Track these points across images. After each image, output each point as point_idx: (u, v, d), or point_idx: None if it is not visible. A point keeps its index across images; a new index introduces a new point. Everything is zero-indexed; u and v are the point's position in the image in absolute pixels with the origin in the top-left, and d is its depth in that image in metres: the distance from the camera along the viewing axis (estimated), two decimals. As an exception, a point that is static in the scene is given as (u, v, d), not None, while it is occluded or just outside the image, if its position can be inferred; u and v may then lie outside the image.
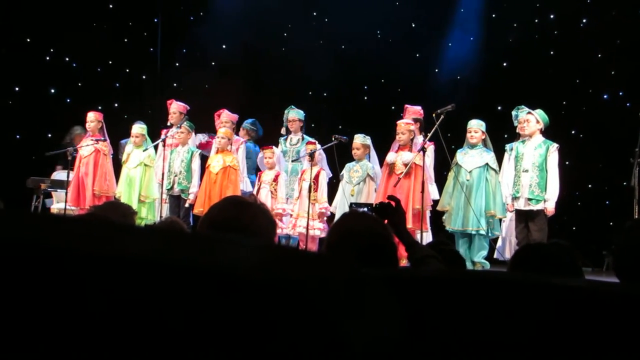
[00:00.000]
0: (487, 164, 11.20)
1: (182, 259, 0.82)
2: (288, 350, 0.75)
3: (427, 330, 1.53)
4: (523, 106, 11.27)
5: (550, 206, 10.77)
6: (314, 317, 0.75)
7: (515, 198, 10.96)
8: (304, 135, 13.26)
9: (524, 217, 10.95)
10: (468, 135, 11.43)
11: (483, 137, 11.36)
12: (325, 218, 12.06)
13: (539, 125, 10.97)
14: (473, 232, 11.12)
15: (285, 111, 13.40)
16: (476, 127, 11.38)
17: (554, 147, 10.89)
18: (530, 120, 10.98)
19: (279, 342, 0.75)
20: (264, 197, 12.07)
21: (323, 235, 11.90)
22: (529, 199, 10.81)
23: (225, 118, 12.88)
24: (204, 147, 13.64)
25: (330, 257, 0.88)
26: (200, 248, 0.86)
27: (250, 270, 0.79)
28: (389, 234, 3.37)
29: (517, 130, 11.29)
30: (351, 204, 10.99)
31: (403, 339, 0.86)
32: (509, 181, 11.10)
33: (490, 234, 11.28)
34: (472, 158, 11.28)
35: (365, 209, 6.47)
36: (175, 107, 13.10)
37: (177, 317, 0.78)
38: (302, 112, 13.35)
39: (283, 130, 13.45)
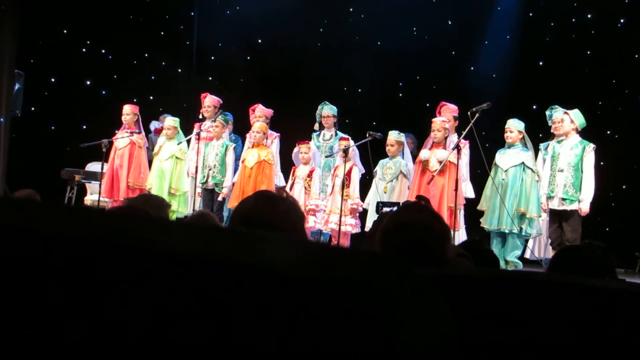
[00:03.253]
0: (523, 162, 11.15)
1: (225, 256, 0.82)
2: (337, 352, 0.74)
3: (465, 329, 1.52)
4: (557, 106, 11.23)
5: (584, 206, 10.71)
6: (364, 318, 0.75)
7: (549, 197, 10.91)
8: (337, 131, 13.26)
9: (557, 217, 10.91)
10: (505, 135, 11.39)
11: (520, 136, 11.28)
12: (357, 214, 12.08)
13: (573, 125, 10.92)
14: (507, 231, 11.08)
15: (319, 107, 13.42)
16: (512, 127, 11.31)
17: (591, 147, 10.82)
18: (564, 119, 10.93)
19: (327, 342, 0.74)
20: (298, 192, 12.10)
21: (354, 231, 11.94)
22: (563, 199, 10.77)
23: (259, 112, 12.93)
24: (158, 133, 13.71)
25: (381, 255, 0.87)
26: (238, 244, 0.86)
27: (299, 269, 0.79)
28: (446, 231, 3.35)
29: (551, 130, 11.24)
30: (378, 202, 10.98)
31: (454, 340, 0.85)
32: (544, 181, 11.06)
33: (524, 233, 11.22)
34: (509, 157, 11.23)
35: (394, 209, 6.47)
36: (210, 101, 13.15)
37: (220, 314, 0.78)
38: (335, 107, 13.36)
39: (316, 126, 13.47)
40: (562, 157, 10.87)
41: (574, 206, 10.72)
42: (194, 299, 0.79)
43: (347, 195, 11.70)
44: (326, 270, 0.78)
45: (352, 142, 12.03)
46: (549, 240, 11.20)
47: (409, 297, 0.82)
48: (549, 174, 11.00)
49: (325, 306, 0.75)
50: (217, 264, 0.80)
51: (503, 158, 11.30)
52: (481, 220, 11.42)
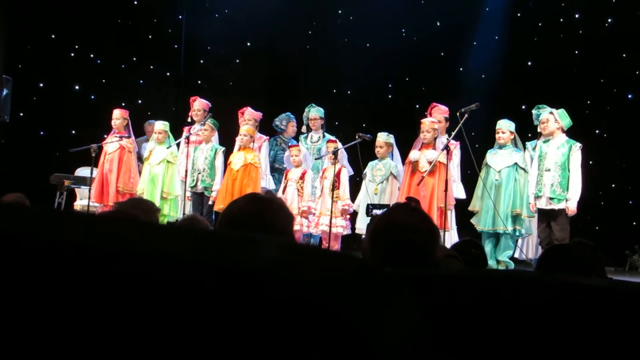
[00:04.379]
0: (516, 163, 11.19)
1: (205, 258, 0.82)
2: (308, 352, 0.74)
3: (449, 328, 1.52)
4: (544, 105, 11.23)
5: (571, 205, 10.69)
6: (335, 319, 0.75)
7: (537, 197, 10.91)
8: (325, 133, 13.27)
9: (546, 217, 10.91)
10: (496, 135, 11.42)
11: (512, 137, 11.34)
12: (347, 215, 12.07)
13: (557, 124, 10.91)
14: (501, 232, 11.11)
15: (306, 109, 13.42)
16: (504, 128, 11.36)
17: (577, 146, 10.83)
18: (549, 119, 10.93)
19: (299, 342, 0.75)
20: (291, 195, 12.10)
21: (345, 232, 11.93)
22: (551, 198, 10.76)
23: (248, 116, 12.91)
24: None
25: (354, 257, 0.87)
26: (224, 246, 0.86)
27: (274, 269, 0.79)
28: (435, 232, 3.35)
29: (538, 130, 11.24)
30: (368, 205, 10.98)
31: (425, 341, 0.85)
32: (531, 180, 11.06)
33: (518, 234, 11.25)
34: (501, 158, 11.27)
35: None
36: (199, 105, 13.13)
37: (200, 317, 0.78)
38: (322, 109, 13.36)
39: (303, 129, 13.47)
40: (549, 156, 10.86)
41: (561, 205, 10.71)
42: (179, 301, 0.79)
43: (337, 197, 11.70)
44: (300, 271, 0.79)
45: (340, 144, 12.02)
46: (539, 240, 11.22)
47: (379, 298, 0.82)
48: (536, 174, 11.00)
49: (298, 306, 0.75)
50: (199, 265, 0.81)
51: (495, 159, 11.33)
52: (473, 220, 11.44)
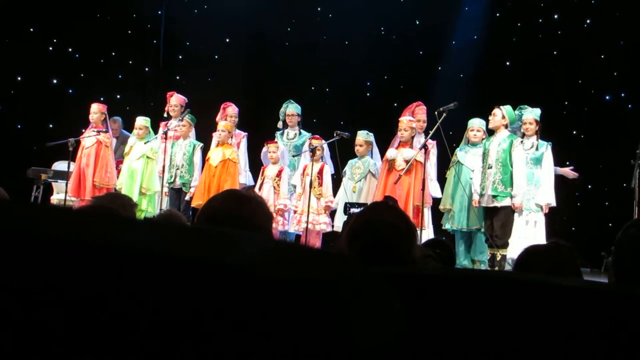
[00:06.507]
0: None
1: (186, 254, 0.82)
2: (292, 349, 0.75)
3: (427, 327, 1.53)
4: (526, 106, 11.20)
5: (517, 201, 10.50)
6: (319, 316, 0.75)
7: (481, 195, 10.74)
8: (301, 130, 13.25)
9: (489, 214, 10.72)
10: (471, 133, 11.37)
11: (484, 136, 11.31)
12: (328, 212, 12.04)
13: (504, 120, 10.74)
14: (474, 230, 11.07)
15: (284, 105, 13.38)
16: (478, 127, 11.33)
17: (518, 140, 10.68)
18: (496, 114, 10.78)
19: (282, 340, 0.75)
20: (267, 192, 12.06)
21: (329, 229, 11.88)
22: (494, 196, 10.57)
23: (232, 112, 12.89)
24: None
25: (336, 255, 0.87)
26: (204, 242, 0.86)
27: (255, 267, 0.79)
28: (412, 230, 3.35)
29: (521, 130, 11.20)
30: (346, 203, 10.97)
31: (407, 339, 0.86)
32: (476, 178, 10.93)
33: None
34: (475, 157, 11.20)
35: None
36: (176, 100, 13.11)
37: (179, 312, 0.78)
38: (299, 106, 13.32)
39: (280, 125, 13.42)
40: (491, 153, 10.66)
41: (504, 202, 10.52)
42: (159, 297, 0.79)
43: (319, 194, 11.70)
44: (283, 270, 0.79)
45: (324, 142, 11.99)
46: (485, 237, 11.05)
47: (362, 297, 0.82)
48: (480, 172, 10.86)
49: (280, 304, 0.75)
50: (175, 261, 0.81)
51: (469, 157, 11.29)
52: (448, 219, 11.41)
